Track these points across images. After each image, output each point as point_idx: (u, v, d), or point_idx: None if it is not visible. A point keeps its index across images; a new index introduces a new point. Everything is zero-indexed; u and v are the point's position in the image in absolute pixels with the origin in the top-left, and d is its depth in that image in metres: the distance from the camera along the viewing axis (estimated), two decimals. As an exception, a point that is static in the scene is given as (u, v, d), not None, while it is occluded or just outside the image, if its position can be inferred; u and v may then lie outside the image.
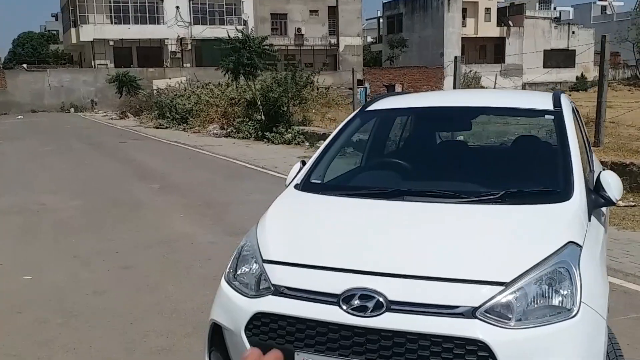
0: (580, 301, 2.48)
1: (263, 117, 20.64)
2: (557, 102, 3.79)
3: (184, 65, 49.39)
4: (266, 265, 2.88)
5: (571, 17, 71.09)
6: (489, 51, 53.28)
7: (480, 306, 2.42)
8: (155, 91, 35.08)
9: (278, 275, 2.80)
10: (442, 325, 2.40)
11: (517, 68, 51.78)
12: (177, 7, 50.00)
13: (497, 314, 2.42)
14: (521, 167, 3.71)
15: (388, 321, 2.46)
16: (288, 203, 3.54)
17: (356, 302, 2.54)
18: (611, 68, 55.46)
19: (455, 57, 14.18)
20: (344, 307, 2.55)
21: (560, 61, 52.58)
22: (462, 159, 4.11)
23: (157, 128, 26.92)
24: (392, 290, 2.53)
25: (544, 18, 57.63)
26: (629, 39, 48.74)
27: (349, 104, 32.12)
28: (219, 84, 27.26)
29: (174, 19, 50.04)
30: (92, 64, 48.81)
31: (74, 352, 4.18)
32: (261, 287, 2.86)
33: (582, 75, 49.24)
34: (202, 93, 27.67)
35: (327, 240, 2.99)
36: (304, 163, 4.00)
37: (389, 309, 2.49)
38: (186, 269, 6.00)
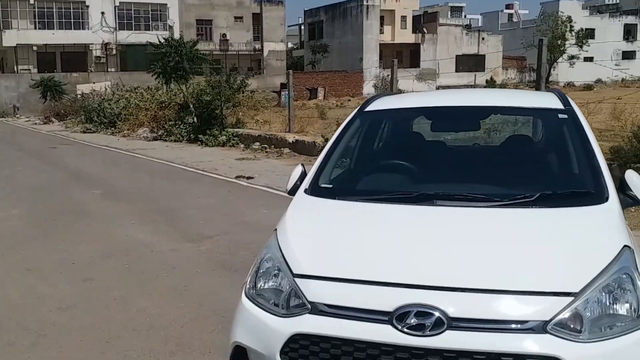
0: None
1: (196, 120, 20.02)
2: (565, 101, 3.63)
3: (109, 70, 47.63)
4: (298, 281, 2.54)
5: (480, 24, 73.45)
6: (405, 56, 54.06)
7: (551, 319, 2.20)
8: (79, 95, 33.65)
9: (315, 292, 2.47)
10: (512, 342, 2.16)
11: (431, 72, 52.91)
12: (103, 13, 48.25)
13: (569, 328, 2.20)
14: (543, 168, 3.52)
15: (450, 340, 2.19)
16: (306, 210, 3.19)
17: (413, 320, 2.25)
18: (518, 71, 57.80)
19: (393, 61, 14.08)
20: (399, 326, 2.26)
21: (471, 65, 54.09)
22: (476, 159, 3.88)
23: (85, 132, 25.66)
24: (452, 305, 2.27)
25: (456, 25, 59.19)
26: (534, 44, 50.67)
27: (274, 106, 31.98)
28: (149, 87, 26.34)
29: (99, 24, 48.23)
30: (15, 69, 46.35)
31: (49, 378, 3.70)
32: (292, 304, 2.51)
33: (491, 78, 50.69)
34: (131, 97, 26.67)
35: (366, 252, 2.65)
36: (304, 167, 3.68)
37: (450, 327, 2.23)
38: (152, 279, 5.53)
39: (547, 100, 3.79)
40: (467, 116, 4.00)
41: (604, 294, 2.28)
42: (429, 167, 3.70)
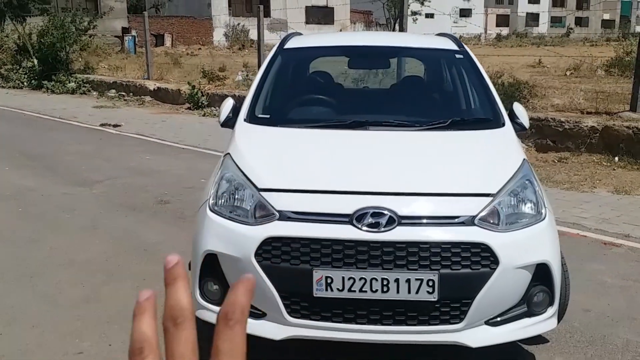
0: (545, 206, 3.08)
1: (37, 64, 18.88)
2: (459, 44, 4.39)
3: None
4: (265, 194, 3.00)
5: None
6: (255, 4, 53.87)
7: (477, 215, 2.87)
8: None
9: (281, 202, 2.95)
10: (449, 233, 2.81)
11: (283, 22, 53.29)
12: None
13: (489, 221, 2.89)
14: (448, 101, 4.28)
15: (400, 234, 2.79)
16: (253, 136, 3.62)
17: (369, 219, 2.81)
18: (365, 25, 59.94)
19: (259, 7, 14.34)
20: (358, 225, 2.81)
21: (320, 18, 55.23)
22: (389, 96, 4.53)
23: None
24: (401, 206, 2.86)
25: (305, -25, 59.79)
26: (379, -1, 52.97)
27: (117, 52, 30.76)
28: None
29: None
30: None
31: (-16, 310, 3.85)
32: (257, 215, 2.98)
33: (340, 31, 52.35)
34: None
35: (320, 167, 3.21)
36: (234, 99, 4.09)
37: (399, 224, 2.81)
38: (55, 221, 5.64)
39: (445, 43, 4.53)
40: (380, 55, 4.72)
41: (513, 195, 3.03)
42: (351, 101, 4.34)
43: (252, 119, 3.79)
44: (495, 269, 2.78)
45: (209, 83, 14.69)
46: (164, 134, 10.55)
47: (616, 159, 7.88)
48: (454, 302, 2.81)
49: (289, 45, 4.47)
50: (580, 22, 72.22)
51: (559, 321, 3.13)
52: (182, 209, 5.98)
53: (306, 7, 54.13)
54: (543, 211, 3.05)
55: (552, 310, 2.99)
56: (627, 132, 7.87)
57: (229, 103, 4.01)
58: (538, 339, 3.37)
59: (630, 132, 7.84)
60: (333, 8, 56.35)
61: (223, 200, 3.14)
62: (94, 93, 17.00)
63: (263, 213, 2.97)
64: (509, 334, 2.95)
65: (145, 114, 13.35)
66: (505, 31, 58.85)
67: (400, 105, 4.22)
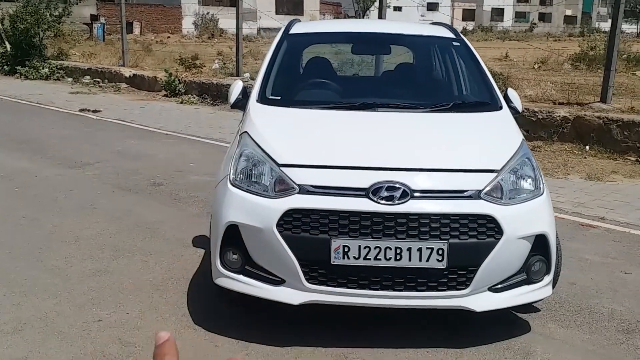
0: (542, 182, 3.33)
1: (9, 50, 18.60)
2: (455, 32, 4.64)
3: None
4: (285, 169, 3.18)
5: (297, -33, 74.60)
6: (226, -6, 53.61)
7: (483, 189, 3.10)
8: None
9: (301, 177, 3.13)
10: (457, 206, 3.04)
11: (252, 12, 53.08)
12: None
13: (493, 195, 3.12)
14: (449, 85, 4.53)
15: (413, 206, 3.01)
16: (268, 115, 3.78)
17: (385, 193, 3.02)
18: (335, 17, 60.06)
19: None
20: (374, 198, 3.02)
21: (290, 8, 55.11)
22: (391, 81, 4.73)
23: None
24: (413, 181, 3.08)
25: (275, -35, 59.62)
26: (348, -9, 53.15)
27: (86, 39, 30.30)
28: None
29: None
30: None
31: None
32: (277, 189, 3.15)
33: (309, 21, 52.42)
34: None
35: (336, 144, 3.39)
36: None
37: (412, 197, 3.03)
38: (53, 201, 5.71)
39: (442, 31, 4.76)
40: (382, 42, 4.93)
41: (514, 171, 3.26)
42: (357, 85, 4.55)
43: (263, 100, 3.94)
44: (499, 239, 3.02)
45: (185, 70, 14.70)
46: (145, 120, 10.59)
47: (587, 147, 8.24)
48: (460, 270, 3.04)
49: (294, 30, 4.64)
50: (543, 17, 73.57)
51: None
52: (177, 191, 6.10)
53: (276, -3, 53.98)
54: (541, 187, 3.31)
55: (549, 278, 3.26)
56: (597, 122, 8.23)
57: (238, 85, 4.17)
58: (530, 308, 3.63)
59: (600, 122, 8.20)
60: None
61: (243, 175, 3.31)
62: (69, 79, 16.83)
63: (283, 187, 3.15)
64: (510, 299, 3.19)
65: (122, 100, 13.32)
66: (471, 25, 59.55)
67: (404, 89, 4.44)
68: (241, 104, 4.08)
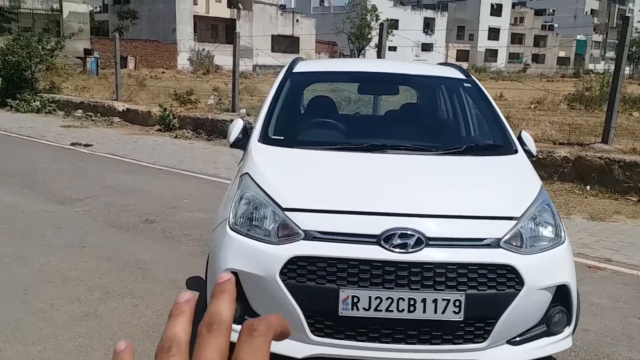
0: (563, 230, 3.16)
1: (0, 83, 18.53)
2: (466, 73, 4.49)
3: None
4: (289, 214, 2.98)
5: (293, 5, 75.73)
6: (220, 31, 54.16)
7: (502, 237, 2.91)
8: None
9: (307, 222, 2.93)
10: (475, 255, 2.84)
11: (248, 50, 53.55)
12: None
13: (513, 244, 2.92)
14: (460, 127, 4.37)
15: (428, 255, 2.80)
16: (271, 156, 3.60)
17: (397, 240, 2.82)
18: (330, 56, 60.73)
19: (235, 33, 14.34)
20: (386, 246, 2.81)
21: (286, 46, 55.78)
22: (399, 122, 4.59)
23: None
24: (429, 228, 2.86)
25: (271, 4, 60.44)
26: (344, 31, 53.82)
27: (79, 73, 30.32)
28: None
29: None
30: None
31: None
32: (281, 234, 2.96)
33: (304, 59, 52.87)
34: None
35: (343, 188, 3.19)
36: (244, 120, 4.11)
37: (427, 245, 2.81)
38: (40, 237, 5.50)
39: (452, 72, 4.61)
40: (388, 82, 4.75)
41: (534, 219, 3.05)
42: (362, 125, 4.39)
43: (266, 139, 3.77)
44: (520, 290, 2.82)
45: (180, 106, 14.63)
46: (138, 155, 10.44)
47: (588, 187, 8.13)
48: (478, 322, 2.84)
49: (298, 69, 4.49)
50: (537, 58, 74.68)
51: None
52: (170, 228, 5.91)
53: (272, 35, 54.53)
54: (562, 234, 3.12)
55: (569, 330, 3.07)
56: (599, 162, 8.14)
57: (239, 124, 4.02)
58: (547, 358, 3.43)
59: (602, 162, 8.11)
60: (299, 38, 57.03)
61: (243, 220, 3.12)
62: (60, 113, 16.75)
63: (287, 232, 2.96)
64: (529, 352, 2.99)
65: (115, 134, 13.19)
66: (465, 65, 60.27)
67: (413, 130, 4.30)
68: (241, 144, 3.93)
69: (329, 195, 3.12)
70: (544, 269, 2.93)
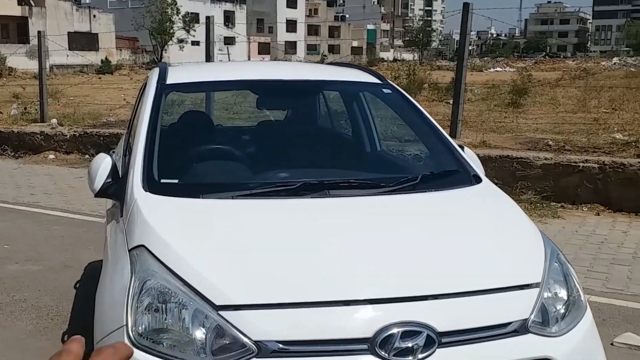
0: (581, 290, 2.26)
1: None
2: (379, 76, 3.44)
3: None
4: (227, 314, 1.85)
5: (88, 0, 69.92)
6: (12, 30, 48.13)
7: (529, 317, 1.99)
8: None
9: (259, 327, 1.84)
10: (504, 352, 1.92)
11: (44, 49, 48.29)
12: None
13: (539, 322, 2.02)
14: (376, 147, 3.40)
15: None
16: (172, 214, 2.36)
17: (399, 343, 1.82)
18: (132, 52, 57.19)
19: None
20: (384, 355, 1.81)
21: (84, 44, 51.02)
22: (311, 140, 3.48)
23: None
24: (439, 317, 1.89)
25: (65, 0, 55.13)
26: (145, 26, 50.75)
27: None
28: None
29: None
30: None
31: None
32: (217, 347, 1.84)
33: (106, 58, 48.86)
34: None
35: (304, 264, 2.06)
36: (112, 157, 2.76)
37: (440, 344, 1.85)
38: None
39: (362, 75, 3.54)
40: (296, 91, 3.58)
41: (553, 282, 2.16)
42: (274, 151, 3.26)
43: (154, 186, 2.49)
44: None
45: (-26, 119, 12.18)
46: None
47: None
48: None
49: (172, 79, 3.19)
50: (333, 49, 76.96)
51: None
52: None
53: (69, 33, 49.78)
54: (583, 297, 2.25)
55: None
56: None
57: (105, 162, 2.69)
58: None
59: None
60: (97, 34, 52.71)
61: (149, 325, 1.93)
62: None
63: (226, 345, 1.84)
64: None
65: None
66: (267, 58, 60.18)
67: (344, 158, 3.25)
68: (112, 192, 2.67)
69: (286, 279, 1.99)
70: (582, 353, 2.09)
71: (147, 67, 52.27)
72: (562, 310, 2.11)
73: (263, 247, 2.14)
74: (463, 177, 2.76)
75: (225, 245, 2.14)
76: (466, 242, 2.27)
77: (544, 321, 2.04)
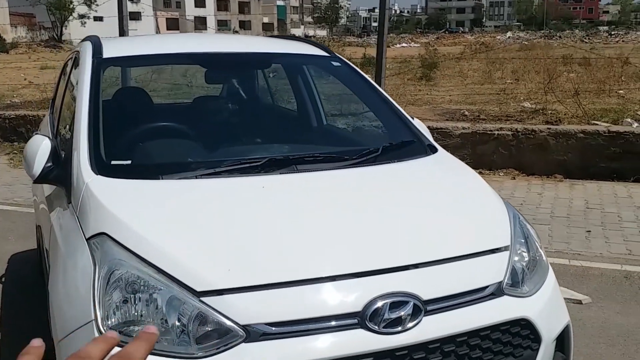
0: (540, 247, 2.33)
1: None
2: (327, 49, 3.36)
3: None
4: (210, 300, 1.74)
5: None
6: None
7: (503, 279, 2.02)
8: None
9: (246, 310, 1.74)
10: (484, 315, 1.93)
11: None
12: None
13: (513, 284, 2.05)
14: (323, 119, 3.35)
15: (429, 328, 1.84)
16: (134, 199, 2.17)
17: (388, 314, 1.79)
18: (29, 29, 53.74)
19: None
20: (373, 327, 1.78)
21: (-25, 21, 47.61)
22: (261, 114, 3.36)
23: None
24: (422, 286, 1.88)
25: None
26: (41, 1, 47.80)
27: None
28: None
29: None
30: None
31: None
32: (201, 334, 1.73)
33: (0, 36, 45.72)
34: None
35: (283, 242, 1.97)
36: (50, 139, 2.51)
37: (426, 312, 1.85)
38: None
39: (311, 48, 3.41)
40: (248, 64, 3.44)
41: (519, 244, 2.20)
42: (224, 127, 3.12)
43: (103, 168, 2.28)
44: (537, 349, 2.02)
45: None
46: None
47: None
48: None
49: (109, 53, 2.94)
50: (244, 25, 75.58)
51: None
52: None
53: (-44, 8, 46.06)
54: (544, 257, 2.31)
55: None
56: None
57: (44, 145, 2.44)
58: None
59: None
60: (-11, 10, 49.07)
61: (121, 320, 1.78)
62: None
63: (210, 331, 1.74)
64: None
65: None
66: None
67: (298, 133, 3.17)
68: (54, 176, 2.44)
69: (268, 259, 1.89)
70: (550, 312, 2.14)
71: (46, 45, 49.30)
72: (527, 271, 2.17)
73: (239, 227, 2.02)
74: (419, 147, 2.76)
75: (196, 228, 2.00)
76: (437, 211, 2.29)
77: (514, 282, 2.08)
